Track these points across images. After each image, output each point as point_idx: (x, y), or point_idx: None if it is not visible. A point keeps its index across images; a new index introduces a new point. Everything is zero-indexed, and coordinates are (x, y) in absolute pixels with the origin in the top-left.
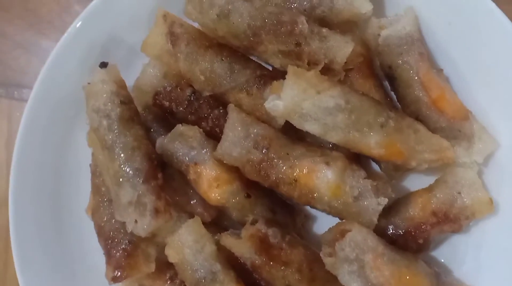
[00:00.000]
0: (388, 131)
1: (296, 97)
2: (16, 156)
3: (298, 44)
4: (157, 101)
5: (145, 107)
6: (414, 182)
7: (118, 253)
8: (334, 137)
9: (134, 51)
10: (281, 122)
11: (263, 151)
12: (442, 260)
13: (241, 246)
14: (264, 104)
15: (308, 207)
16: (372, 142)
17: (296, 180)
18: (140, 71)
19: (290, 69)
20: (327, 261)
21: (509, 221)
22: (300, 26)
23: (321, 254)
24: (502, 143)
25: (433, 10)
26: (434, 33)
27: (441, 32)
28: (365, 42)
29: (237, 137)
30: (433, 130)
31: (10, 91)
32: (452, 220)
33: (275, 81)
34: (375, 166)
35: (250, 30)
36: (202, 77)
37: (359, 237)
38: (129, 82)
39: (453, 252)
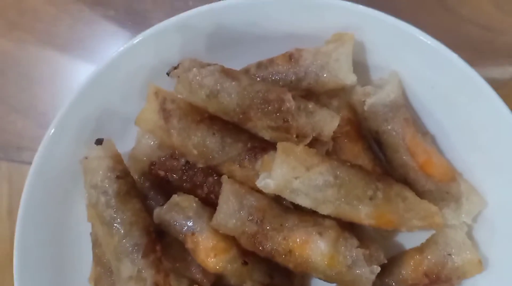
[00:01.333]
0: (377, 203)
1: (286, 175)
2: (18, 230)
3: (286, 121)
4: (153, 171)
5: (141, 174)
6: (407, 238)
7: None
8: (325, 210)
9: (128, 120)
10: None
11: (257, 223)
12: None
13: None
14: (256, 183)
15: None
16: (362, 214)
17: (290, 251)
18: (135, 141)
19: (280, 147)
20: None
21: (499, 276)
22: (287, 104)
23: None
24: (490, 201)
25: (416, 74)
26: (418, 97)
27: (425, 95)
28: (352, 106)
29: (231, 209)
30: (422, 193)
31: (9, 154)
32: (444, 281)
33: (265, 156)
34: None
35: (239, 109)
36: (195, 151)
37: None
38: (125, 149)
39: None
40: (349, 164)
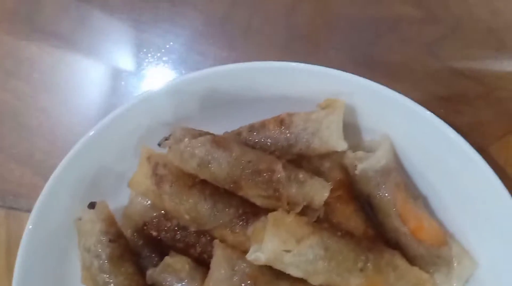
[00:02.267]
0: (368, 274)
1: (277, 249)
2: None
3: (276, 190)
4: (146, 231)
5: (134, 232)
6: None
7: None
8: (316, 281)
9: (123, 177)
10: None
11: None
12: None
13: None
14: (246, 256)
15: None
16: (353, 285)
17: None
18: (129, 200)
19: (270, 218)
20: None
21: None
22: (278, 174)
23: None
24: (481, 263)
25: (408, 138)
26: (410, 159)
27: (417, 159)
28: (344, 167)
29: (223, 276)
30: (413, 257)
31: (7, 201)
32: None
33: (256, 225)
34: None
35: (230, 178)
36: (187, 216)
37: None
38: (120, 204)
39: None
40: (339, 233)
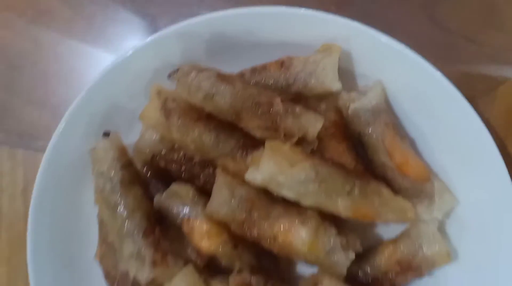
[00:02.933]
0: (354, 198)
1: (272, 171)
2: (32, 211)
3: (274, 122)
4: (155, 163)
5: (144, 165)
6: (384, 231)
7: None
8: (307, 202)
9: (134, 116)
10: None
11: (246, 212)
12: None
13: None
14: (245, 176)
15: None
16: (340, 207)
17: (275, 237)
18: (139, 134)
19: (267, 145)
20: None
21: (468, 267)
22: (276, 107)
23: None
24: (462, 200)
25: (399, 83)
26: (401, 104)
27: (407, 103)
28: (338, 109)
29: (223, 199)
30: (398, 190)
31: (25, 142)
32: (414, 269)
33: (255, 153)
34: None
35: (233, 110)
36: (192, 146)
37: None
38: (131, 141)
39: None
40: (330, 162)
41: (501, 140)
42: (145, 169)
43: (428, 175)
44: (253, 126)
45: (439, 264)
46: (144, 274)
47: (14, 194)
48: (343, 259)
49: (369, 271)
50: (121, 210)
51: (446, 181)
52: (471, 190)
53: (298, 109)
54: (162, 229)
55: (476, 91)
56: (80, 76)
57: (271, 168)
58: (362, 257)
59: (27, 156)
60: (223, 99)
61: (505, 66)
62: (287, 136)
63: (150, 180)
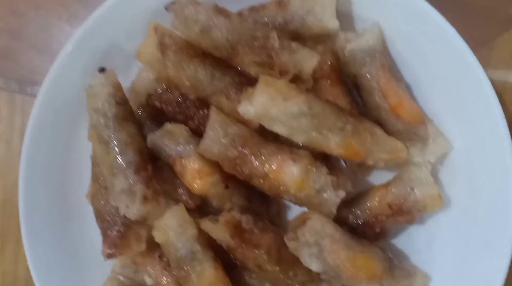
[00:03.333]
0: (346, 134)
1: (265, 104)
2: (26, 149)
3: (270, 57)
4: (150, 102)
5: (139, 106)
6: (377, 177)
7: (113, 234)
8: (299, 138)
9: (131, 57)
10: (256, 124)
11: (239, 149)
12: (400, 248)
13: (218, 231)
14: (237, 108)
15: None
16: (332, 143)
17: (266, 175)
18: (136, 75)
19: (262, 78)
20: (291, 245)
21: (459, 215)
22: (272, 41)
23: (285, 239)
24: (455, 145)
25: (396, 26)
26: (397, 48)
27: (403, 47)
28: (335, 52)
29: (216, 136)
30: (391, 132)
31: (24, 88)
32: (405, 213)
33: (249, 88)
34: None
35: (229, 44)
36: (187, 83)
37: (318, 225)
38: (127, 84)
39: (409, 241)
40: (324, 99)
41: (499, 94)
42: (140, 111)
43: (422, 118)
44: (249, 62)
45: (430, 207)
46: (134, 209)
47: (11, 139)
48: (333, 198)
49: (360, 214)
50: (114, 144)
51: (440, 127)
52: (465, 137)
53: (294, 45)
54: (155, 170)
55: (473, 41)
56: (83, 22)
57: (265, 100)
58: (353, 201)
59: (25, 101)
60: (220, 33)
61: (503, 17)
62: (282, 73)
63: (144, 122)
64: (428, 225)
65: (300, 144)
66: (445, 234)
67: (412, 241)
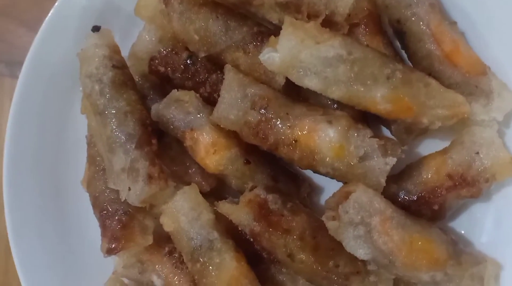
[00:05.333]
0: (395, 84)
1: (294, 49)
2: (10, 129)
3: None
4: (153, 67)
5: (141, 76)
6: (429, 148)
7: (113, 224)
8: (336, 93)
9: (131, 20)
10: (281, 81)
11: (261, 112)
12: (462, 232)
13: (239, 212)
14: (259, 56)
15: (313, 177)
16: (377, 96)
17: (296, 141)
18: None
19: (287, 19)
20: (330, 225)
21: None
22: None
23: (323, 218)
24: None
25: None
26: None
27: None
28: None
29: (234, 99)
30: (447, 86)
31: (14, 70)
32: (469, 184)
33: (272, 36)
34: (386, 132)
35: None
36: (196, 37)
37: (364, 198)
38: (126, 53)
39: (473, 222)
40: (366, 44)
41: None
42: (142, 81)
43: (483, 67)
44: (269, 4)
45: (500, 176)
46: (137, 190)
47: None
48: (381, 165)
49: (412, 189)
50: (111, 115)
51: (504, 80)
52: None
53: None
54: (161, 149)
55: None
56: None
57: (292, 44)
58: (402, 175)
59: (14, 84)
60: None
61: None
62: (310, 16)
63: (147, 92)
64: (493, 201)
65: (335, 105)
66: None
67: (477, 222)
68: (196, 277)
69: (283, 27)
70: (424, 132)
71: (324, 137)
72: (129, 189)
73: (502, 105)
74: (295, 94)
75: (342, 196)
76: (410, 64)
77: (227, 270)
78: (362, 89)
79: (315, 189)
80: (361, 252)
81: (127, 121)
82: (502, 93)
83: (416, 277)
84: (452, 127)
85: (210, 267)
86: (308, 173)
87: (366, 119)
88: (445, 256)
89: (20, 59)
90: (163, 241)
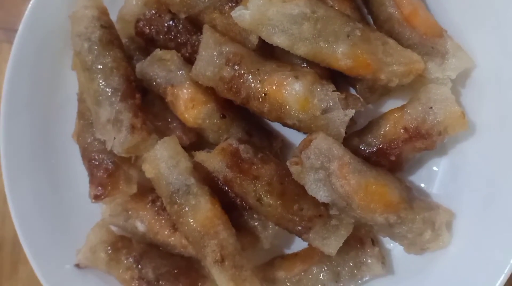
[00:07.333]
0: (355, 41)
1: (262, 6)
2: (7, 86)
3: None
4: (138, 29)
5: (128, 38)
6: (392, 107)
7: (100, 172)
8: (301, 49)
9: None
10: (254, 40)
11: (235, 68)
12: (421, 184)
13: (213, 160)
14: (231, 13)
15: (287, 135)
16: (338, 53)
17: (265, 95)
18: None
19: None
20: (294, 169)
21: (486, 142)
22: None
23: (287, 163)
24: (479, 63)
25: None
26: None
27: None
28: None
29: (210, 56)
30: (406, 47)
31: (11, 36)
32: (424, 136)
33: None
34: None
35: None
36: None
37: (324, 145)
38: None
39: (429, 174)
40: (330, 4)
41: None
42: (129, 42)
43: (440, 30)
44: None
45: (452, 129)
46: (121, 139)
47: None
48: (341, 116)
49: (372, 141)
50: (98, 70)
51: (461, 43)
52: (489, 53)
53: None
54: (145, 105)
55: None
56: None
57: (261, 2)
58: (364, 130)
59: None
60: None
61: None
62: None
63: (134, 53)
64: (451, 156)
65: (304, 64)
66: (471, 166)
67: (434, 176)
68: (174, 218)
69: None
70: (386, 92)
71: (290, 90)
72: (114, 138)
73: (456, 64)
74: (269, 53)
75: (306, 144)
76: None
77: (202, 211)
78: (324, 46)
79: (287, 145)
80: (321, 194)
81: (112, 75)
82: (457, 54)
83: (372, 219)
84: (413, 87)
85: (186, 208)
86: (282, 130)
87: (335, 79)
88: (398, 200)
89: (17, 26)
90: (147, 191)
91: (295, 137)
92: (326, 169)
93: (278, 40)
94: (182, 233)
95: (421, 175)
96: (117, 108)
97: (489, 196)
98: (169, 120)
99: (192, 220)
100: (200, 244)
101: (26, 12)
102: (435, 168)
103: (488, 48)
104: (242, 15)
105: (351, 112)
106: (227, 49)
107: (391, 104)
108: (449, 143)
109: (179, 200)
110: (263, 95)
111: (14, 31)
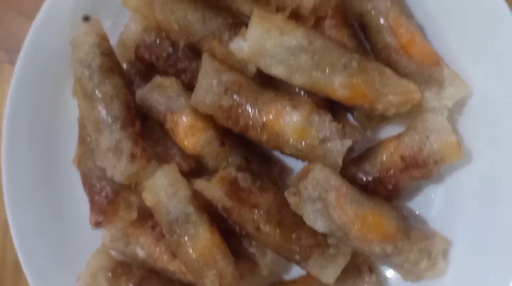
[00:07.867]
0: (352, 72)
1: (260, 38)
2: (8, 112)
3: None
4: (139, 55)
5: (129, 62)
6: (389, 134)
7: (100, 199)
8: (299, 79)
9: (120, 10)
10: (252, 69)
11: (233, 97)
12: (416, 211)
13: (212, 188)
14: (229, 45)
15: (285, 160)
16: (335, 83)
17: (264, 124)
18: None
19: (256, 11)
20: (291, 200)
21: (482, 169)
22: None
23: (285, 194)
24: (476, 91)
25: None
26: None
27: None
28: None
29: (209, 84)
30: (403, 75)
31: (13, 57)
32: (420, 165)
33: (244, 27)
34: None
35: None
36: (176, 26)
37: (322, 176)
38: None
39: (426, 201)
40: (327, 35)
41: None
42: (129, 67)
43: (437, 58)
44: None
45: (449, 158)
46: (121, 167)
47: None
48: (338, 147)
49: (369, 170)
50: (99, 98)
51: (458, 71)
52: (486, 82)
53: None
54: (145, 130)
55: None
56: None
57: (259, 34)
58: (362, 158)
59: (13, 71)
60: None
61: None
62: (279, 9)
63: (134, 78)
64: (447, 183)
65: (302, 93)
66: (467, 192)
67: (431, 202)
68: (172, 247)
69: (251, 18)
70: (384, 119)
71: (288, 120)
72: (114, 167)
73: (453, 93)
74: (267, 82)
75: (304, 174)
76: (373, 55)
77: (201, 240)
78: (321, 76)
79: (286, 171)
80: (319, 224)
81: (113, 104)
82: (454, 82)
83: (369, 250)
84: (410, 114)
85: (186, 237)
86: (281, 155)
87: (333, 107)
88: (395, 230)
89: (19, 47)
90: (147, 217)
91: (294, 162)
92: (323, 200)
93: (276, 71)
94: (181, 262)
95: (419, 201)
96: (118, 137)
97: (484, 225)
98: (169, 146)
99: (191, 250)
100: (199, 273)
101: (28, 35)
102: (432, 195)
103: (484, 76)
104: (240, 47)
105: (348, 142)
106: (226, 77)
107: (388, 130)
108: (446, 169)
109: (178, 229)
110: (261, 124)
111: (16, 51)
